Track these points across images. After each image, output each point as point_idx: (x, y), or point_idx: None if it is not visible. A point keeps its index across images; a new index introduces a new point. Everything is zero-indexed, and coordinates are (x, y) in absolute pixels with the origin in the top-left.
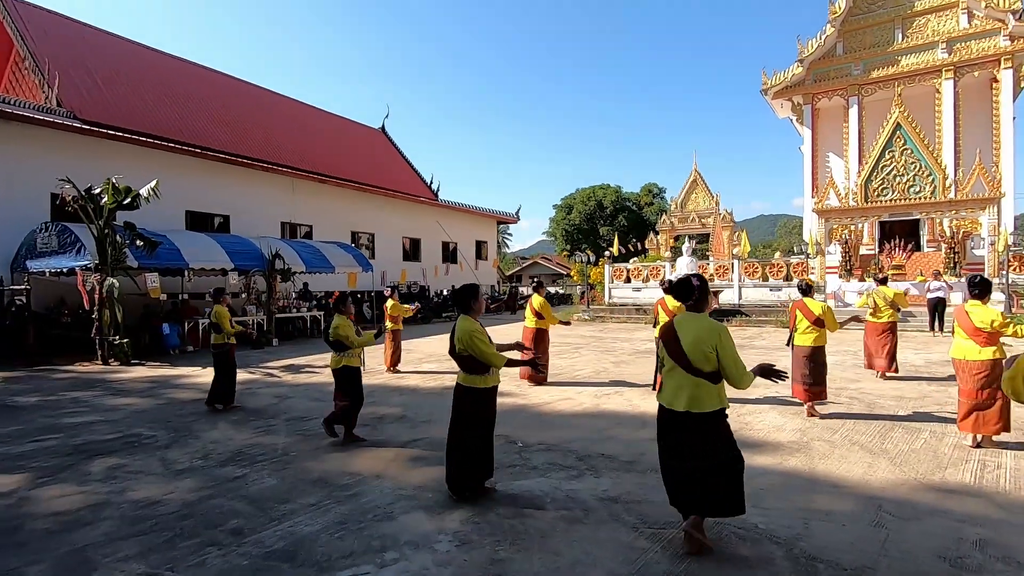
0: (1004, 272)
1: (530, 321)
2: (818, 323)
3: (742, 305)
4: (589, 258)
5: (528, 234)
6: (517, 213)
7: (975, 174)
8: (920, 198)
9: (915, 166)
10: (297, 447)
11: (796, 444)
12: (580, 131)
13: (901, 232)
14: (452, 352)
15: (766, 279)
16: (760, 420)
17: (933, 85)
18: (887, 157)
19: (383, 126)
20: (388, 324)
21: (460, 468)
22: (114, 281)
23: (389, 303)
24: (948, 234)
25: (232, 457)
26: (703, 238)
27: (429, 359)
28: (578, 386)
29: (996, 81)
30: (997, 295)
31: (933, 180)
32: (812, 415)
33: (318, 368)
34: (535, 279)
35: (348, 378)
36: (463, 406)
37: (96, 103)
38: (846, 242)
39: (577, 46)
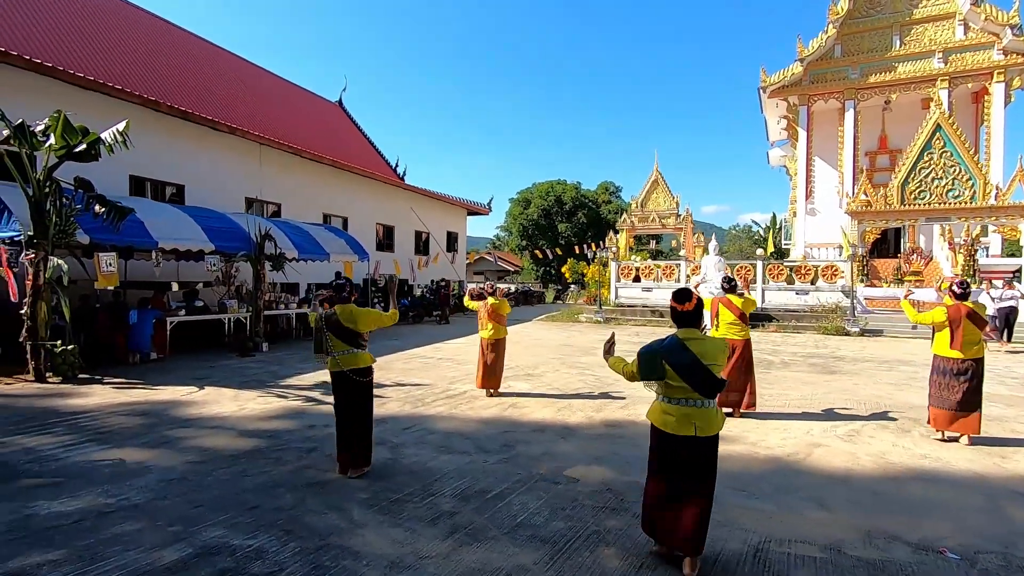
0: None
1: (731, 331)
2: None
3: (766, 309)
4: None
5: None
6: (489, 204)
7: (1015, 180)
8: (959, 202)
9: (954, 169)
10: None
11: None
12: (518, 127)
13: (885, 239)
14: None
15: (791, 282)
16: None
17: (923, 93)
18: (925, 159)
19: (340, 100)
20: (489, 329)
21: None
22: (61, 263)
23: (490, 300)
24: (966, 241)
25: None
26: (658, 238)
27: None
28: (784, 419)
29: (987, 93)
30: None
31: (973, 185)
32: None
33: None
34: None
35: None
36: None
37: (5, 29)
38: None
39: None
